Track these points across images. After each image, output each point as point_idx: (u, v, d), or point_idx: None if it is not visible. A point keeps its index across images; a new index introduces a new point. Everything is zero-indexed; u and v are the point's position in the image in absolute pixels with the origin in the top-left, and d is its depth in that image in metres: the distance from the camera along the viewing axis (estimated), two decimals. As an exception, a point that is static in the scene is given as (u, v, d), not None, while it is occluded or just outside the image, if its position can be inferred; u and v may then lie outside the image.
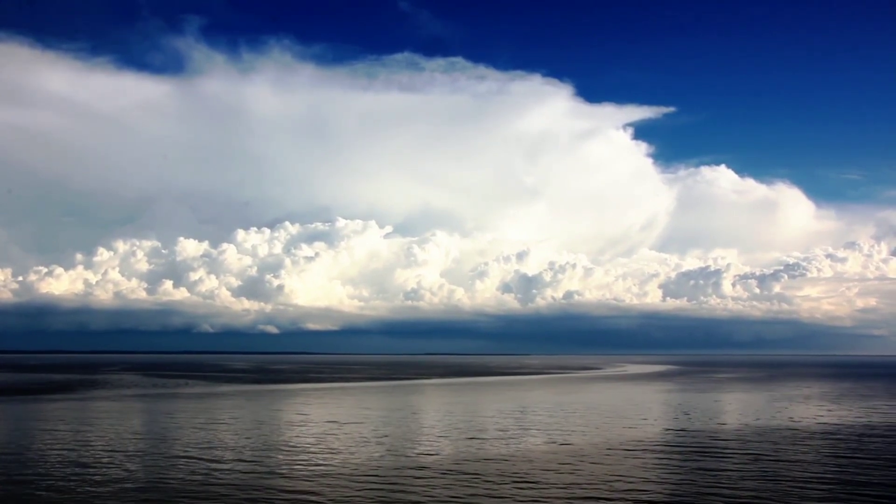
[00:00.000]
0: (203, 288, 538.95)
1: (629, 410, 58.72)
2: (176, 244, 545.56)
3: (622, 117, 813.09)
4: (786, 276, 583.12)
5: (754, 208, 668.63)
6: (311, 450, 36.26)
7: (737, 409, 62.55)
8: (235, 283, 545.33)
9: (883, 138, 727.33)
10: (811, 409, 61.32)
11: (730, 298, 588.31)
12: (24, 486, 27.16)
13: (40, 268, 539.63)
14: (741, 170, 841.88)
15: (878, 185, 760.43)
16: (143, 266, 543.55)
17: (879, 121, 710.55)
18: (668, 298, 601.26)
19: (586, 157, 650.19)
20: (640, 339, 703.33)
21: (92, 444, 38.11)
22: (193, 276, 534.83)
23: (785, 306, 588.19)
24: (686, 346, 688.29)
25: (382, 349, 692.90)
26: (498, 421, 49.61)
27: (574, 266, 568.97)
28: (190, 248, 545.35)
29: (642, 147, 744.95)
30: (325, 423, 47.94)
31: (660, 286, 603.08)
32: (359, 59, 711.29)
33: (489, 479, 28.61)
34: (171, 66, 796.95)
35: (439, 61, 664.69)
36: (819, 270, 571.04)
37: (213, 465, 31.54)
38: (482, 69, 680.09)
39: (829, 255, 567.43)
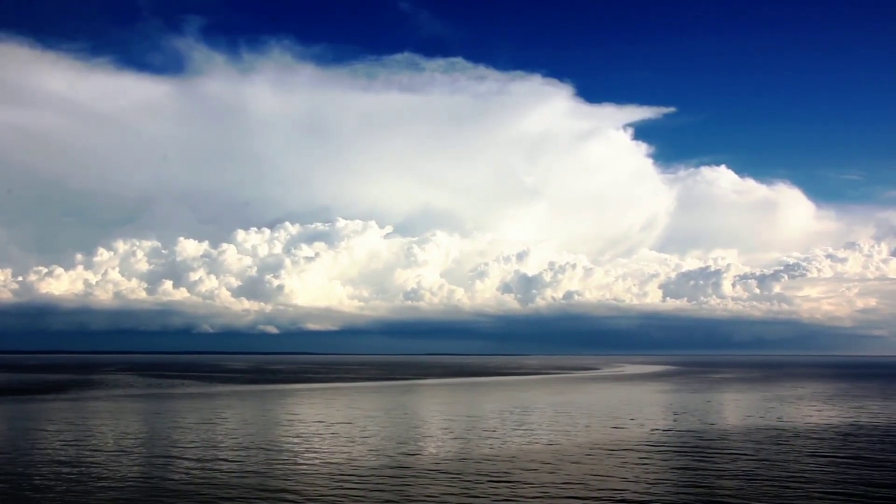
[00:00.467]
0: (203, 288, 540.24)
1: (620, 411, 58.75)
2: (176, 244, 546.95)
3: (622, 117, 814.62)
4: (786, 277, 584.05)
5: (754, 208, 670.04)
6: (294, 449, 36.35)
7: (727, 409, 62.65)
8: (235, 283, 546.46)
9: (883, 138, 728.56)
10: (801, 409, 61.35)
11: (730, 299, 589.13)
12: (8, 485, 27.29)
13: (40, 268, 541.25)
14: (741, 170, 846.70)
15: (878, 185, 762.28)
16: (143, 266, 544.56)
17: (879, 121, 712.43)
18: (668, 299, 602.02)
19: (586, 157, 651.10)
20: (639, 339, 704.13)
21: (79, 443, 38.21)
22: (193, 277, 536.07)
23: (785, 306, 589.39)
24: (686, 346, 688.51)
25: (382, 349, 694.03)
26: (487, 421, 49.70)
27: (574, 266, 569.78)
28: (190, 248, 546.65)
29: (642, 147, 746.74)
30: (313, 424, 48.02)
31: (660, 286, 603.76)
32: (359, 60, 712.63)
33: (467, 478, 28.69)
34: (171, 66, 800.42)
35: (439, 61, 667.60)
36: (819, 271, 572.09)
37: (193, 465, 31.61)
38: (482, 69, 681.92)
39: (829, 256, 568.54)
